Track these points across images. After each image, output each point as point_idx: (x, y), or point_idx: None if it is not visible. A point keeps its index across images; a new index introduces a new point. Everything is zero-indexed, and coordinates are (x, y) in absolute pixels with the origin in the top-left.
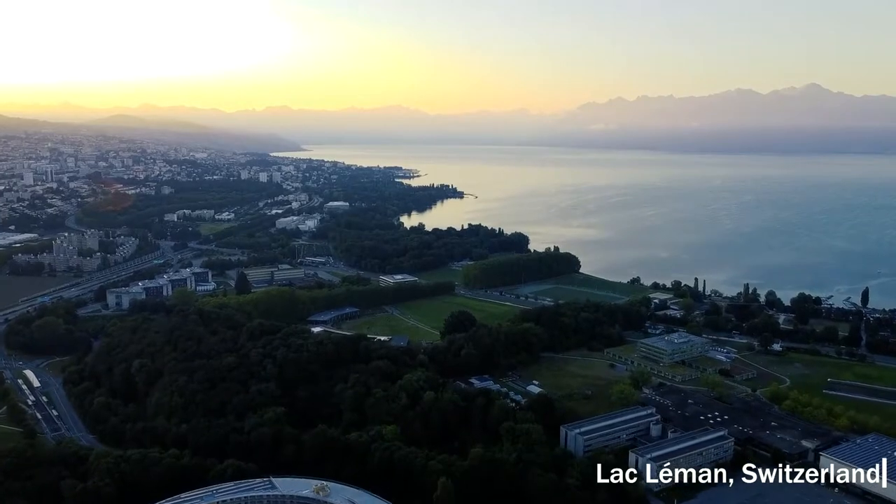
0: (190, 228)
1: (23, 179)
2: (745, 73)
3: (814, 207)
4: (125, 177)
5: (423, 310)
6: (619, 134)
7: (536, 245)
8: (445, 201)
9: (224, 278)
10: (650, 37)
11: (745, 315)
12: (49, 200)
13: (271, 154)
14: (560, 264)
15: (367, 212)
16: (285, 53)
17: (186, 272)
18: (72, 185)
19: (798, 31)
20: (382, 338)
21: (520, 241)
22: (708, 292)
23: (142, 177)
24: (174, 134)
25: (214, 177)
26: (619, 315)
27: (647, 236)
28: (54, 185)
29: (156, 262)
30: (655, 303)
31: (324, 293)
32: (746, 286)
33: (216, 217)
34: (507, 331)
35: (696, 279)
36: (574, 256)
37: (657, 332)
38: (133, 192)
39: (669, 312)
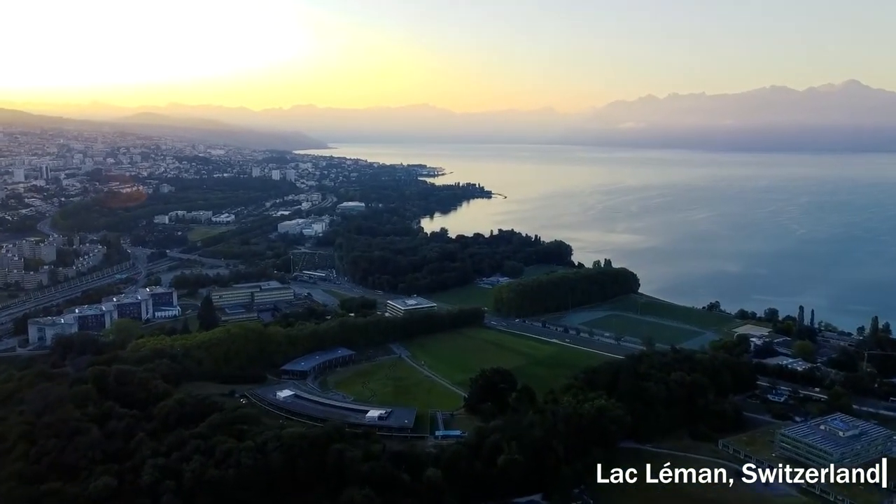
0: (179, 233)
1: (13, 176)
2: (780, 70)
3: (887, 210)
4: (127, 174)
5: (442, 350)
6: (649, 132)
7: (580, 255)
8: (472, 201)
9: (195, 299)
10: (680, 33)
11: (890, 366)
12: (27, 200)
13: (293, 152)
14: (615, 283)
15: (384, 214)
16: (313, 52)
17: (144, 294)
18: (65, 182)
19: (835, 25)
20: (376, 413)
21: (561, 251)
22: (815, 324)
23: (145, 174)
24: (198, 132)
25: (224, 174)
26: (725, 373)
27: (705, 244)
28: (43, 183)
29: (118, 276)
30: (755, 343)
31: (307, 330)
32: (875, 320)
33: (213, 219)
34: (568, 413)
35: (802, 308)
36: (632, 273)
37: (780, 398)
38: (128, 190)
39: (784, 362)
